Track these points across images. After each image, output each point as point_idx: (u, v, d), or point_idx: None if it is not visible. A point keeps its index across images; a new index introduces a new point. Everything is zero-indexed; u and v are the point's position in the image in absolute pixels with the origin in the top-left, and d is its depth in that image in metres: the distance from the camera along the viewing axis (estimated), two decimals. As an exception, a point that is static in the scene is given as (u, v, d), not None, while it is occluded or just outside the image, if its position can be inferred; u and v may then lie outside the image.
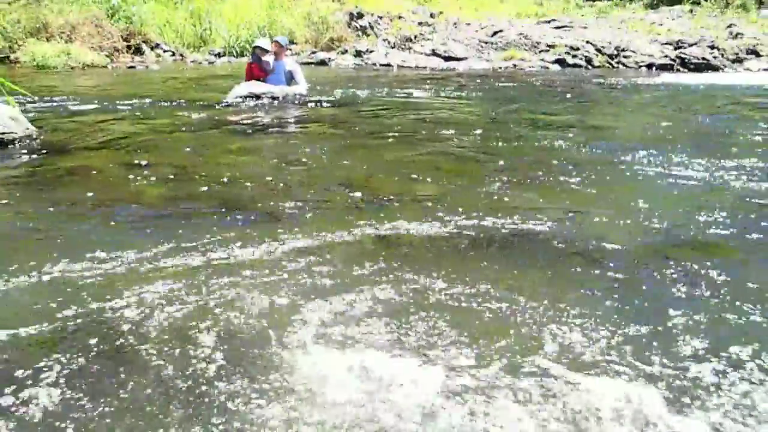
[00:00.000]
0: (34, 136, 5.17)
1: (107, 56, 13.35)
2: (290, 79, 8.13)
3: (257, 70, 8.14)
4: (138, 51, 14.54)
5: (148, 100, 7.78)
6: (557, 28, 16.72)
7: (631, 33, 16.02)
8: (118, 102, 7.53)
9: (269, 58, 8.14)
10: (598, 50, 14.97)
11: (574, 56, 14.72)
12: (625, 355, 2.09)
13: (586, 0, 20.68)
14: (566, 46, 15.12)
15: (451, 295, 2.51)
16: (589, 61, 14.68)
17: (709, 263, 2.86)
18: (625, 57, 14.77)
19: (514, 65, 14.49)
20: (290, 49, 15.36)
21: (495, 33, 16.49)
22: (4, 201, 3.64)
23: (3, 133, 4.81)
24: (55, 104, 7.20)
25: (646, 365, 2.03)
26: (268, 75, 8.11)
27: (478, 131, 6.19)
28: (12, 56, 12.64)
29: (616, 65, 14.66)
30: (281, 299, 2.45)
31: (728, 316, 2.39)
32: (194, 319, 2.28)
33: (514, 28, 16.84)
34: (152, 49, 14.97)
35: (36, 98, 7.28)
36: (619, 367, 2.02)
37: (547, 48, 15.31)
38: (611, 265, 2.84)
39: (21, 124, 5.10)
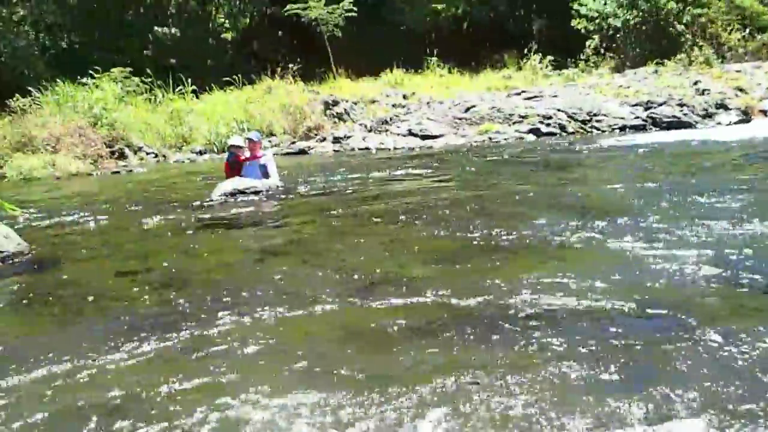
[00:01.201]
0: (26, 252, 5.21)
1: (92, 163, 13.56)
2: (264, 173, 8.34)
3: (234, 168, 8.39)
4: (121, 155, 14.79)
5: (134, 203, 7.88)
6: (528, 98, 17.28)
7: (601, 97, 16.58)
8: (104, 209, 7.63)
9: (245, 152, 8.42)
10: (571, 117, 15.45)
11: (548, 125, 15.17)
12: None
13: (552, 69, 21.48)
14: (539, 115, 15.60)
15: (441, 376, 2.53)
16: (562, 128, 15.11)
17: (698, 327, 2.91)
18: (597, 121, 15.24)
19: (490, 138, 14.88)
20: (270, 141, 15.74)
21: (468, 108, 16.99)
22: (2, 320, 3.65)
23: (-6, 252, 4.86)
24: (43, 217, 7.27)
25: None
26: (245, 170, 8.34)
27: (458, 210, 6.31)
28: (-2, 172, 12.81)
29: (589, 130, 15.09)
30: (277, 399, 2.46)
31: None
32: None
33: (485, 102, 17.38)
34: (135, 152, 15.24)
35: (25, 212, 7.36)
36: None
37: (521, 119, 15.77)
38: (597, 333, 2.88)
39: (12, 240, 5.16)
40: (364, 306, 3.53)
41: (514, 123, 15.82)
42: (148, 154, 15.39)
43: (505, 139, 14.67)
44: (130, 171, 13.14)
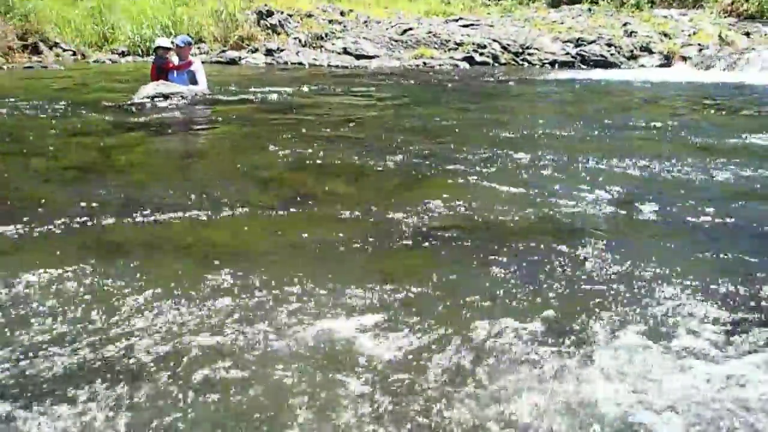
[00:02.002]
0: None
1: (2, 56, 12.68)
2: (192, 80, 8.05)
3: (161, 73, 8.03)
4: (35, 50, 13.88)
5: (49, 102, 7.50)
6: (465, 26, 17.20)
7: (535, 31, 16.69)
8: (16, 105, 7.23)
9: (173, 58, 8.05)
10: (504, 48, 15.55)
11: (482, 54, 15.23)
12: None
13: (491, -1, 21.38)
14: (474, 44, 15.61)
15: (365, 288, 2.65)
16: (495, 58, 15.22)
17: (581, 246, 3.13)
18: (529, 54, 15.41)
19: (424, 63, 14.83)
20: (199, 48, 15.11)
21: (405, 31, 16.79)
22: None
23: None
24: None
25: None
26: (171, 75, 8.01)
27: (385, 129, 6.37)
28: None
29: (521, 63, 15.27)
30: (196, 305, 2.51)
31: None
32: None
33: (423, 26, 17.20)
34: (51, 48, 14.33)
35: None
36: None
37: (456, 46, 15.75)
38: (511, 249, 3.05)
39: None
40: (283, 216, 3.58)
41: (449, 50, 15.79)
42: (65, 51, 14.51)
43: (440, 65, 14.66)
44: (45, 67, 12.40)
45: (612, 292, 2.59)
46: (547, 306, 2.46)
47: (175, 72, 8.04)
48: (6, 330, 2.21)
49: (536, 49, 15.62)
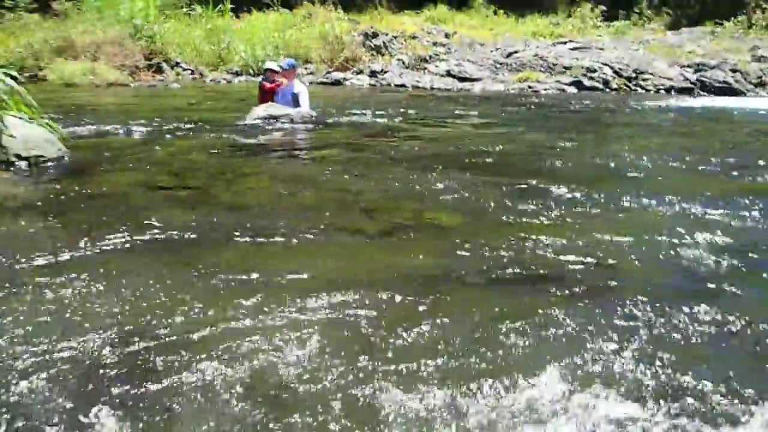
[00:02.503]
0: (66, 158, 5.34)
1: (129, 75, 13.64)
2: (296, 101, 8.32)
3: (267, 92, 8.41)
4: (159, 69, 14.84)
5: (170, 120, 7.96)
6: (574, 49, 16.83)
7: (650, 55, 16.07)
8: (141, 121, 7.72)
9: (280, 79, 8.38)
10: (616, 72, 15.05)
11: (591, 78, 14.80)
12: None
13: (603, 20, 20.77)
14: (583, 68, 15.21)
15: (469, 330, 2.60)
16: (606, 83, 14.75)
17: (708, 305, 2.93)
18: (643, 80, 14.83)
19: (529, 87, 14.60)
20: (306, 69, 15.63)
21: (510, 54, 16.64)
22: (34, 222, 3.79)
23: (38, 156, 4.99)
24: (83, 124, 7.40)
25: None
26: (276, 96, 8.34)
27: (493, 158, 6.29)
28: (40, 74, 12.97)
29: (634, 88, 14.72)
30: (289, 324, 2.55)
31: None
32: (207, 345, 2.38)
33: (529, 49, 16.98)
34: (172, 67, 15.26)
35: (65, 117, 7.48)
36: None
37: (564, 70, 15.41)
38: (628, 299, 2.91)
39: (54, 145, 5.29)
40: (383, 245, 3.60)
41: (556, 73, 15.47)
42: (184, 70, 15.40)
43: (545, 89, 14.39)
44: (167, 86, 13.21)
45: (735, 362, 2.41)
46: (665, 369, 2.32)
47: (280, 93, 8.36)
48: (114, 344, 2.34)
49: (651, 74, 15.01)
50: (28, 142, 5.00)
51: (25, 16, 15.44)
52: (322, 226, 3.87)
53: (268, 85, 8.43)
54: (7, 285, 2.85)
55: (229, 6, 17.91)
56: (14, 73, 4.42)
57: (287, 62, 8.63)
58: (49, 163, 5.13)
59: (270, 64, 8.86)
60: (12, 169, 4.89)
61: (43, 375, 2.16)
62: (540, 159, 6.25)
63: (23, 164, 4.95)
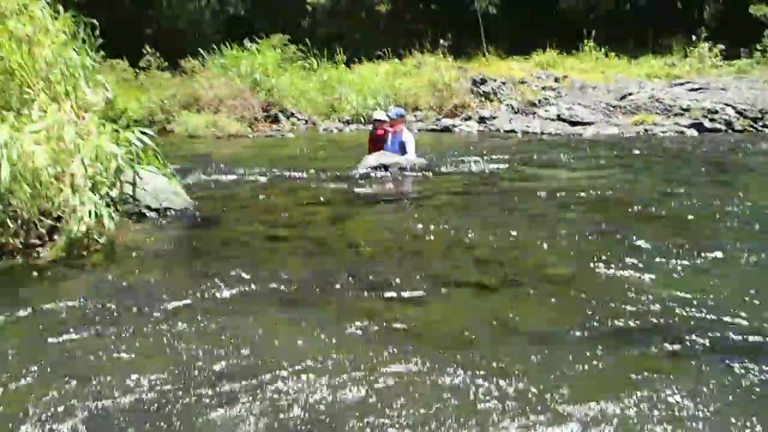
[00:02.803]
0: (191, 209, 5.67)
1: (248, 126, 14.42)
2: (403, 149, 8.42)
3: (377, 141, 8.63)
4: (275, 120, 15.59)
5: (286, 169, 8.30)
6: (692, 90, 16.05)
7: (776, 94, 15.09)
8: (259, 171, 8.10)
9: (389, 129, 8.55)
10: (739, 113, 14.17)
11: (712, 120, 14.02)
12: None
13: (723, 59, 19.73)
14: (703, 109, 14.44)
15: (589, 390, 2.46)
16: (729, 124, 13.90)
17: None
18: (770, 120, 13.89)
19: (646, 130, 14.01)
20: (415, 116, 15.88)
21: (624, 96, 16.12)
22: (163, 270, 4.03)
23: (167, 207, 5.32)
24: (206, 174, 7.87)
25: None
26: (386, 145, 8.50)
27: (608, 206, 6.04)
28: (168, 126, 14.00)
29: (761, 129, 13.79)
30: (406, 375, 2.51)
31: None
32: (336, 394, 2.38)
33: (644, 90, 16.38)
34: (288, 117, 15.98)
35: (189, 168, 7.98)
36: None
37: (682, 111, 14.71)
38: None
39: (180, 197, 5.64)
40: (498, 297, 3.51)
41: (674, 115, 14.79)
42: (299, 120, 16.08)
43: (663, 132, 13.75)
44: (283, 135, 13.82)
45: None
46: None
47: (389, 141, 8.53)
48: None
49: (779, 113, 14.03)
50: (158, 195, 5.35)
51: (157, 74, 16.82)
52: (436, 278, 3.87)
53: (377, 133, 8.64)
54: (133, 326, 3.02)
55: (343, 58, 18.64)
56: (150, 131, 4.75)
57: (395, 111, 8.84)
58: (177, 214, 5.46)
59: (378, 114, 9.11)
60: (144, 220, 5.23)
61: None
62: (659, 207, 5.93)
63: (153, 215, 5.29)
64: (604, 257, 4.23)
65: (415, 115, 16.15)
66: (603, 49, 20.82)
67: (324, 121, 16.33)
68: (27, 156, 4.08)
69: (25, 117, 4.66)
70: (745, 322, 3.10)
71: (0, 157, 3.80)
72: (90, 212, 4.20)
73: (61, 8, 5.74)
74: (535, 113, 15.88)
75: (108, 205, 4.42)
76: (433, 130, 14.89)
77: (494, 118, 15.45)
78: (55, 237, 4.33)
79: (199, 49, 17.73)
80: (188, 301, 3.46)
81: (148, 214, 5.30)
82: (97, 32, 6.08)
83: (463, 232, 5.07)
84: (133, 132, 4.71)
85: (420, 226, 5.39)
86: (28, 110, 4.76)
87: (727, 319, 3.14)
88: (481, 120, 15.40)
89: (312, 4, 27.67)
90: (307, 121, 16.11)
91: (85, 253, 4.26)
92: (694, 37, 20.07)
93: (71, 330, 3.10)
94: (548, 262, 4.18)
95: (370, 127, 9.19)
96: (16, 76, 5.00)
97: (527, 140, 12.90)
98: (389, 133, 8.53)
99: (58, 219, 4.39)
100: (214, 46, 17.86)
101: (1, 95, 4.93)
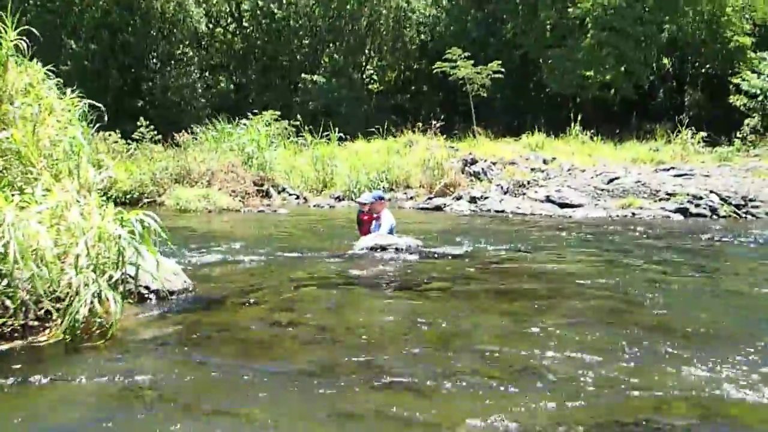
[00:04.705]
0: (190, 290, 5.59)
1: (240, 200, 14.46)
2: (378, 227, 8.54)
3: (361, 224, 8.83)
4: (267, 194, 15.67)
5: (281, 248, 8.26)
6: (677, 176, 16.44)
7: (759, 181, 15.47)
8: (256, 249, 8.05)
9: (368, 212, 8.73)
10: (723, 200, 14.49)
11: (697, 206, 14.31)
12: None
13: (705, 146, 20.35)
14: (688, 194, 14.76)
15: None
16: (713, 210, 14.19)
17: None
18: (754, 207, 14.18)
19: (633, 213, 14.25)
20: (406, 194, 16.05)
21: (611, 180, 16.45)
22: (165, 356, 3.92)
23: (167, 289, 5.24)
24: (202, 252, 7.82)
25: None
26: (371, 226, 8.66)
27: (603, 294, 6.03)
28: (158, 199, 14.00)
29: (744, 215, 14.08)
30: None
31: None
32: None
33: (630, 175, 16.75)
34: (279, 192, 16.09)
35: (183, 245, 7.93)
36: None
37: (667, 196, 15.01)
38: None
39: (180, 278, 5.56)
40: (503, 394, 3.44)
41: (659, 200, 15.09)
42: (290, 195, 16.19)
43: (649, 216, 13.98)
44: (275, 211, 13.85)
45: None
46: None
47: (374, 224, 8.64)
48: None
49: (762, 201, 14.35)
50: (157, 275, 5.27)
51: (149, 147, 16.96)
52: (438, 369, 3.80)
53: (362, 217, 8.83)
54: (132, 415, 2.91)
55: (336, 135, 18.98)
56: (155, 216, 4.73)
57: (372, 195, 9.04)
58: (176, 296, 5.37)
59: (363, 198, 9.29)
60: (143, 301, 5.14)
61: None
62: (653, 298, 5.92)
63: (153, 297, 5.20)
64: (603, 351, 4.19)
65: (406, 193, 16.34)
66: (588, 133, 21.44)
67: (315, 197, 16.45)
68: (32, 236, 4.02)
69: (28, 195, 4.62)
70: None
71: (9, 237, 3.73)
72: (93, 294, 4.12)
73: (68, 90, 5.84)
74: (524, 194, 16.12)
75: (111, 288, 4.33)
76: (424, 208, 15.03)
77: (485, 198, 15.65)
78: (55, 318, 4.22)
79: (192, 125, 18.00)
80: (187, 393, 3.36)
81: (147, 296, 5.21)
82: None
83: (461, 319, 5.02)
84: (137, 214, 4.67)
85: (419, 312, 5.33)
86: (32, 189, 4.72)
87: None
88: (472, 200, 15.58)
89: (306, 81, 28.45)
90: (298, 197, 16.22)
91: (85, 336, 4.15)
92: (678, 125, 20.74)
93: (68, 415, 3.01)
94: (546, 355, 4.12)
95: (358, 209, 9.35)
96: (21, 155, 5.00)
97: (518, 221, 13.03)
98: (372, 217, 8.66)
99: (58, 300, 4.29)
100: (207, 121, 18.15)
101: (7, 174, 4.91)
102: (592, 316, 5.20)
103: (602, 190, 16.00)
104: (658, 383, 3.64)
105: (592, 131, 21.51)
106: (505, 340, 4.47)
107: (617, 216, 14.11)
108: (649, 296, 5.91)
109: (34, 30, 5.86)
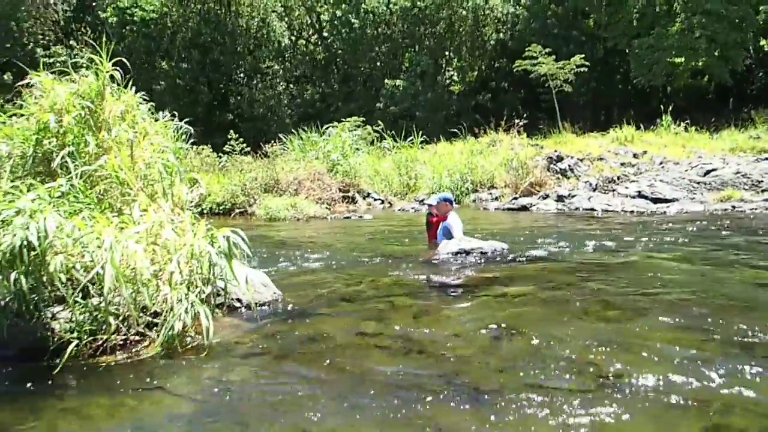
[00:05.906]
0: (279, 301, 5.76)
1: (326, 207, 14.76)
2: (449, 234, 8.39)
3: (429, 227, 8.93)
4: (352, 200, 15.91)
5: (366, 254, 8.37)
6: (782, 164, 15.45)
7: None
8: (342, 257, 8.20)
9: (443, 210, 8.68)
10: (836, 187, 13.48)
11: (806, 195, 13.38)
12: None
13: (813, 131, 18.97)
14: (795, 184, 13.84)
15: None
16: (825, 199, 13.22)
17: None
18: None
19: (733, 207, 13.45)
20: (491, 194, 15.85)
21: (707, 172, 15.65)
22: (259, 368, 4.06)
23: (257, 301, 5.42)
24: (290, 261, 8.05)
25: None
26: (438, 230, 8.63)
27: (708, 299, 5.73)
28: (249, 209, 14.51)
29: None
30: None
31: None
32: None
33: (729, 165, 15.88)
34: (364, 198, 16.29)
35: (274, 254, 8.18)
36: None
37: (772, 187, 14.12)
38: None
39: (269, 289, 5.74)
40: (586, 405, 3.33)
41: (762, 191, 14.21)
42: (375, 200, 16.36)
43: (752, 209, 13.15)
44: (360, 217, 14.03)
45: None
46: None
47: (441, 227, 8.60)
48: None
49: None
50: (247, 287, 5.45)
51: (239, 159, 17.62)
52: (528, 384, 3.72)
53: (431, 220, 8.89)
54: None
55: (419, 138, 19.04)
56: (240, 231, 4.91)
57: (437, 197, 8.99)
58: (266, 307, 5.55)
59: (428, 200, 9.40)
60: (234, 313, 5.34)
61: None
62: (756, 302, 5.57)
63: (244, 309, 5.39)
64: (706, 363, 3.98)
65: (491, 194, 16.14)
66: (682, 124, 20.43)
67: (400, 200, 16.54)
68: (130, 256, 4.26)
69: (125, 216, 4.90)
70: None
71: (104, 261, 3.97)
72: (187, 310, 4.32)
73: (161, 114, 6.17)
74: (614, 190, 15.59)
75: (202, 302, 4.53)
76: (510, 209, 14.80)
77: (572, 196, 15.24)
78: (152, 333, 4.45)
79: (279, 135, 18.57)
80: (277, 405, 3.48)
81: (238, 308, 5.41)
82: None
83: (550, 327, 4.90)
84: (225, 232, 4.86)
85: (505, 320, 5.26)
86: (130, 210, 5.01)
87: None
88: (559, 198, 15.21)
89: (388, 85, 28.68)
90: (383, 201, 16.36)
91: (181, 349, 4.36)
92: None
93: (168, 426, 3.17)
94: (643, 364, 3.96)
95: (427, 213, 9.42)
96: (119, 178, 5.31)
97: (608, 219, 12.58)
98: (440, 218, 8.62)
99: (155, 315, 4.53)
100: (293, 130, 18.66)
101: (107, 197, 5.24)
102: (693, 324, 4.94)
103: (698, 182, 15.24)
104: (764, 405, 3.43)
105: (685, 121, 20.47)
106: (597, 350, 4.33)
107: (716, 210, 13.36)
108: (762, 303, 5.57)
109: (125, 61, 6.21)
